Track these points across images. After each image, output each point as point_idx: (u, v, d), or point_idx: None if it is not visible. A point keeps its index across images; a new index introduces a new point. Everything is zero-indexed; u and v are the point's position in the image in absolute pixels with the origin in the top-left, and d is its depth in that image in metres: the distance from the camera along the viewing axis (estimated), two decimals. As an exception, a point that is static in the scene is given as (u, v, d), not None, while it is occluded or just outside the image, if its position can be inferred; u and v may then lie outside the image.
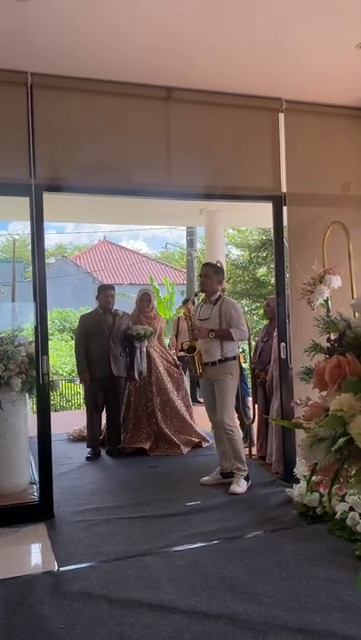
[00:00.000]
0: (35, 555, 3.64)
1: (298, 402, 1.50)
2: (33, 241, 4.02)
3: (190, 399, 6.62)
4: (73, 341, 10.52)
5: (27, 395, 4.49)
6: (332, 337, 1.42)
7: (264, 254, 12.40)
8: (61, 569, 3.25)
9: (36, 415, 4.20)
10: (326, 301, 4.14)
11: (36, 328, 4.03)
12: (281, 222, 4.63)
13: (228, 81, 4.20)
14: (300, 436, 4.17)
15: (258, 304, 12.36)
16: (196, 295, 4.81)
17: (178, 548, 3.44)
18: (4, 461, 4.32)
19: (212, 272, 4.69)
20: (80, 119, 4.10)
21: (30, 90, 3.93)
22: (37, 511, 4.00)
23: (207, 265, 4.90)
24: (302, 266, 4.46)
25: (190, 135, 4.38)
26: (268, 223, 4.76)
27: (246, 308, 12.92)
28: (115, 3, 3.12)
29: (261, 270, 13.04)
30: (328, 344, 1.39)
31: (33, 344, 4.22)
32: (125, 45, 3.62)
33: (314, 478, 1.40)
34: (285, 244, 4.69)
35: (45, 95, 3.98)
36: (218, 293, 4.67)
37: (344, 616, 2.65)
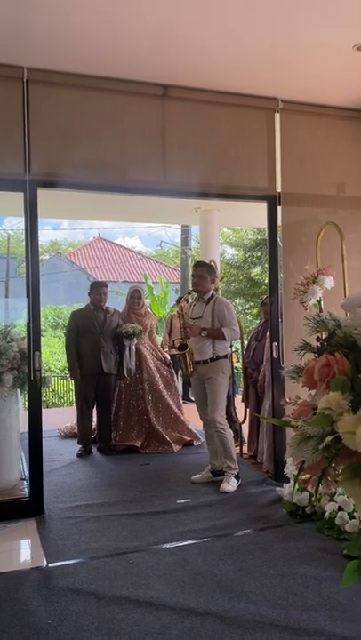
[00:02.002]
0: (24, 550, 3.63)
1: (287, 400, 1.51)
2: (27, 237, 4.01)
3: (181, 397, 6.63)
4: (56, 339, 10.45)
5: (18, 391, 4.49)
6: (322, 336, 1.43)
7: (258, 254, 12.44)
8: (50, 565, 3.25)
9: (27, 411, 4.20)
10: (319, 302, 4.16)
11: (28, 324, 4.02)
12: (275, 222, 4.64)
13: (224, 80, 4.21)
14: (291, 435, 4.20)
15: (252, 303, 12.40)
16: (189, 293, 4.81)
17: (167, 546, 3.45)
18: (-5, 457, 4.31)
19: (205, 272, 4.69)
20: (76, 115, 4.09)
21: (26, 85, 3.92)
22: (27, 507, 4.00)
23: (200, 265, 4.89)
24: (296, 266, 4.48)
25: (186, 133, 4.38)
26: (263, 223, 4.77)
27: (240, 308, 12.94)
28: (112, -1, 3.12)
29: (256, 270, 13.08)
30: (318, 343, 1.40)
31: (25, 340, 4.22)
32: (123, 42, 3.61)
33: (302, 476, 1.41)
34: (279, 243, 4.70)
35: (41, 90, 3.97)
36: (211, 292, 4.68)
37: (331, 614, 2.67)
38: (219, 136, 4.48)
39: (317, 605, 2.75)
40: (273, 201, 4.61)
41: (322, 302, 4.17)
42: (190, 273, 13.31)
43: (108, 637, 2.51)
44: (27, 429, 4.10)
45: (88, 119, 4.13)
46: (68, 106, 4.07)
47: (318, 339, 1.39)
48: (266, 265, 12.56)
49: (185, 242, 13.67)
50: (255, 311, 12.53)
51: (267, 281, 5.13)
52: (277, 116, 4.58)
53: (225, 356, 4.56)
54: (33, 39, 3.55)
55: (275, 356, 4.58)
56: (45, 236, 29.32)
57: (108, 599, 2.82)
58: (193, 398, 7.75)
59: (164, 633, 2.53)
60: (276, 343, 4.58)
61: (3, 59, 3.78)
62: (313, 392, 1.41)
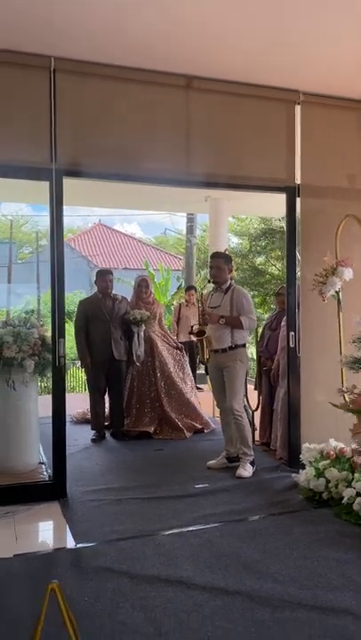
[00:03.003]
0: (51, 532, 3.74)
1: (344, 390, 1.58)
2: (52, 224, 4.09)
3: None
4: (67, 325, 10.44)
5: (37, 377, 4.56)
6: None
7: (263, 243, 12.47)
8: (79, 545, 3.35)
9: (42, 397, 4.26)
10: (338, 293, 4.24)
11: (52, 311, 4.12)
12: (294, 213, 4.69)
13: (246, 71, 4.24)
14: (304, 423, 4.26)
15: (255, 292, 12.46)
16: (209, 282, 4.87)
17: (191, 528, 3.55)
18: (16, 442, 4.39)
19: (222, 262, 4.74)
20: (101, 105, 4.12)
21: (53, 74, 3.95)
22: (50, 490, 4.09)
23: (217, 256, 4.90)
24: (314, 257, 4.53)
25: (209, 124, 4.42)
26: (272, 212, 4.84)
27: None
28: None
29: (260, 259, 13.11)
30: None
31: (44, 326, 4.33)
32: (148, 33, 3.64)
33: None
34: (297, 234, 4.75)
35: (68, 80, 4.00)
36: (229, 282, 4.74)
37: (356, 595, 2.78)
38: (240, 127, 4.52)
39: (342, 586, 2.86)
40: (292, 192, 4.66)
41: (340, 294, 4.25)
42: (195, 261, 13.17)
43: (143, 614, 2.61)
44: (42, 415, 4.16)
45: (113, 109, 4.16)
46: (93, 95, 4.11)
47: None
48: (271, 254, 12.62)
49: (190, 230, 13.66)
50: (258, 300, 12.60)
51: (271, 270, 5.19)
52: (298, 107, 4.62)
53: (243, 345, 4.64)
54: (60, 29, 3.58)
55: (291, 345, 4.66)
56: (45, 221, 29.12)
57: (140, 578, 2.92)
58: (201, 387, 7.84)
59: (198, 610, 2.63)
60: (292, 333, 4.65)
61: (31, 48, 3.80)
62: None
